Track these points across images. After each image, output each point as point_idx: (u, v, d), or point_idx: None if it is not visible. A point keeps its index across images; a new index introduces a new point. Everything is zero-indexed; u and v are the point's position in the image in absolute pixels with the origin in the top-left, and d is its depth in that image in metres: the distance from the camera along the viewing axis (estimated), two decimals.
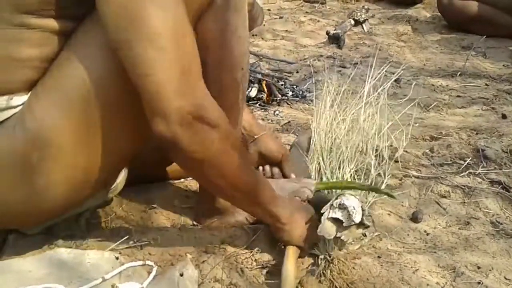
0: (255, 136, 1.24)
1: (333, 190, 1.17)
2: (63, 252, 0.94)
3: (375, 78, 1.38)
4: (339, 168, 1.26)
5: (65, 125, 0.85)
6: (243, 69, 1.01)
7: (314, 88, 1.99)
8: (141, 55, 0.80)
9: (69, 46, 0.87)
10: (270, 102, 1.93)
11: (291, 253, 0.99)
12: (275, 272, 0.99)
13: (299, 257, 1.02)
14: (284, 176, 1.27)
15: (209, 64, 0.95)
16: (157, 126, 0.82)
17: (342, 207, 0.98)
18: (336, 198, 1.00)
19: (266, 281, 0.97)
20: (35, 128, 0.85)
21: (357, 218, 0.97)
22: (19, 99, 0.87)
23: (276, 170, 1.27)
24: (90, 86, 0.84)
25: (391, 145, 1.41)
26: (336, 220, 0.98)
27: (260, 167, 1.28)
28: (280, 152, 1.27)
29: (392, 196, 1.15)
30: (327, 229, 0.97)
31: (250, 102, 1.90)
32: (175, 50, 0.81)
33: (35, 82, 0.87)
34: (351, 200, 0.98)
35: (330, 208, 0.99)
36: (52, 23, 0.85)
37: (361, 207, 0.99)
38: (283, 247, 1.02)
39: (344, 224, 0.97)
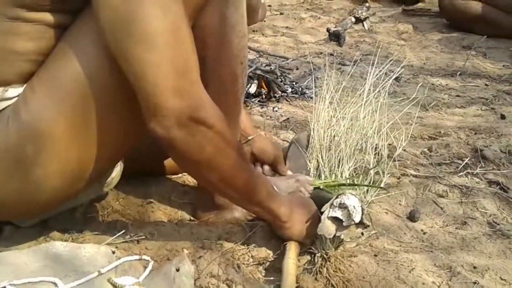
0: (249, 138, 1.25)
1: (332, 188, 1.16)
2: (59, 245, 0.94)
3: (376, 76, 1.38)
4: (338, 166, 1.26)
5: (59, 117, 0.85)
6: (242, 64, 1.01)
7: (314, 85, 1.99)
8: (136, 56, 0.79)
9: (65, 39, 0.86)
10: (269, 98, 1.93)
11: (292, 249, 0.99)
12: (271, 268, 0.99)
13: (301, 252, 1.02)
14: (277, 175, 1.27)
15: (208, 59, 0.95)
16: (153, 126, 0.81)
17: (343, 206, 0.97)
18: (337, 197, 0.99)
19: (263, 277, 0.97)
20: (30, 120, 0.85)
21: (357, 218, 0.97)
22: (14, 91, 0.87)
23: (266, 167, 1.28)
24: (85, 79, 0.84)
25: (390, 144, 1.41)
26: (336, 219, 0.97)
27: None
28: (272, 153, 1.27)
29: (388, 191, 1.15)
30: (327, 228, 0.97)
31: (249, 99, 1.89)
32: (170, 50, 0.80)
33: (31, 75, 0.87)
34: (352, 200, 0.98)
35: (330, 207, 0.98)
36: (48, 17, 0.85)
37: (361, 206, 0.98)
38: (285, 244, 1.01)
39: (344, 224, 0.97)
